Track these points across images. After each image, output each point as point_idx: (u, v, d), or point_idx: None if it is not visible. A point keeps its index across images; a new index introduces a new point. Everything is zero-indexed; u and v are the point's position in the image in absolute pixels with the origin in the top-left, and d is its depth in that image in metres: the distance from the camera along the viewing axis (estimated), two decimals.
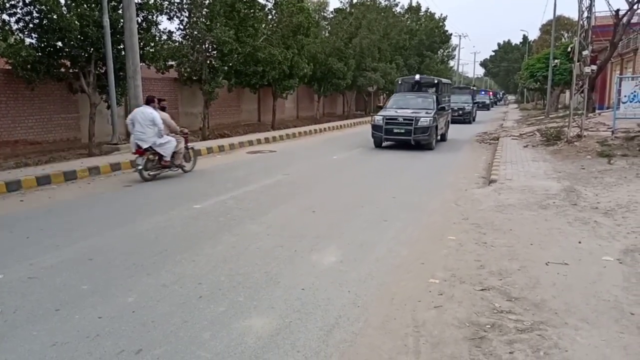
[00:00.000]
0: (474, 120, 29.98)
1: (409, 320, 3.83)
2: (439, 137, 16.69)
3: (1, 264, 5.00)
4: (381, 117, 15.25)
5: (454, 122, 24.53)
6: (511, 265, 4.94)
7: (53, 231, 6.23)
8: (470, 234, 6.09)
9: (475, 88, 36.74)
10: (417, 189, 9.21)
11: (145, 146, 9.57)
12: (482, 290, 4.36)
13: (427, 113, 15.07)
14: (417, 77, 18.43)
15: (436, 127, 15.42)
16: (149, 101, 10.12)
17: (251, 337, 3.57)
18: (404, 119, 14.87)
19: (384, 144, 15.70)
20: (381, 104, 21.51)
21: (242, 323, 3.78)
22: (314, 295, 4.28)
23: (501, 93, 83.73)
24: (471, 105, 29.04)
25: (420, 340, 3.52)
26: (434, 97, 16.40)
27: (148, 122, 9.61)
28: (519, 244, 5.63)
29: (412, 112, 15.01)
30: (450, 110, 20.30)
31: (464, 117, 28.05)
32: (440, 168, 11.84)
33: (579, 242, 5.65)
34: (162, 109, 10.28)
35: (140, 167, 9.54)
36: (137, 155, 9.64)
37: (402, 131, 14.86)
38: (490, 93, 61.16)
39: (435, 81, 18.53)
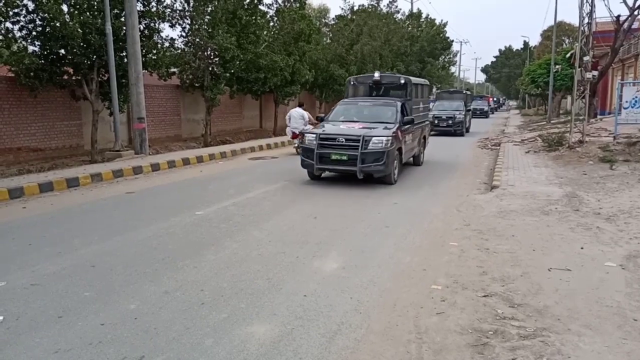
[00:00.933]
0: (467, 131, 25.63)
1: (411, 326, 3.83)
2: (409, 161, 12.51)
3: (4, 271, 5.01)
4: (314, 135, 10.17)
5: (442, 134, 23.13)
6: (513, 272, 4.94)
7: (55, 238, 6.24)
8: (472, 240, 6.08)
9: (469, 92, 31.88)
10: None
11: (297, 132, 14.77)
12: (484, 296, 4.36)
13: (385, 129, 10.10)
14: (377, 75, 12.45)
15: (399, 150, 10.47)
16: (300, 105, 16.10)
17: (253, 343, 3.56)
18: (347, 139, 9.81)
19: (323, 174, 10.97)
20: (322, 113, 17.00)
21: (245, 330, 3.77)
22: (316, 301, 4.28)
23: (502, 99, 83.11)
24: (463, 113, 24.46)
25: (423, 347, 3.51)
26: (398, 104, 11.16)
27: (299, 117, 15.29)
28: (521, 250, 5.63)
29: (362, 128, 10.15)
30: (427, 123, 14.47)
31: (454, 128, 23.68)
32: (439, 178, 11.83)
33: (582, 248, 5.64)
34: (304, 109, 15.93)
35: (296, 145, 14.96)
36: (295, 139, 15.25)
37: (344, 158, 9.81)
38: (490, 98, 57.15)
39: (402, 81, 12.34)
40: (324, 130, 10.19)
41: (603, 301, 4.21)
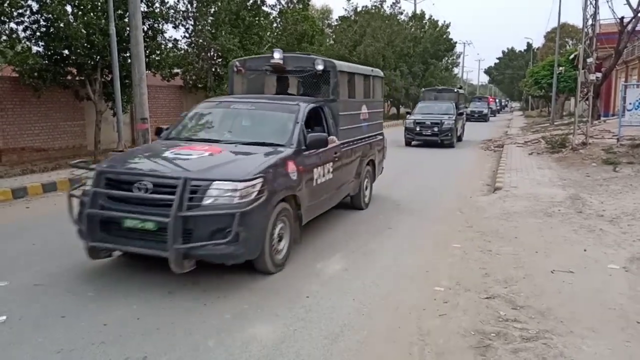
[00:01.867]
0: (459, 140, 20.20)
1: (414, 328, 3.82)
2: None
3: (7, 270, 5.02)
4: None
5: (426, 144, 17.98)
6: (516, 273, 4.93)
7: (58, 238, 6.24)
8: (475, 241, 6.07)
9: (461, 91, 24.51)
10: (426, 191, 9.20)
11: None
12: (487, 298, 4.35)
13: (265, 155, 5.54)
14: (278, 56, 6.95)
15: (296, 200, 5.87)
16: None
17: (255, 345, 3.56)
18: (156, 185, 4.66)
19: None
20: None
21: (247, 331, 3.78)
22: (318, 303, 4.28)
23: (504, 100, 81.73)
24: (454, 117, 18.07)
25: (425, 349, 3.51)
26: (302, 108, 6.16)
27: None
28: (524, 251, 5.62)
29: (209, 155, 5.92)
30: (379, 139, 8.96)
31: (440, 138, 17.61)
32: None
33: (585, 250, 5.63)
34: None
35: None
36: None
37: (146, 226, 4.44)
38: (491, 99, 51.96)
39: (320, 67, 6.85)
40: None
41: (606, 304, 4.20)
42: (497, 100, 57.21)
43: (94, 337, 3.65)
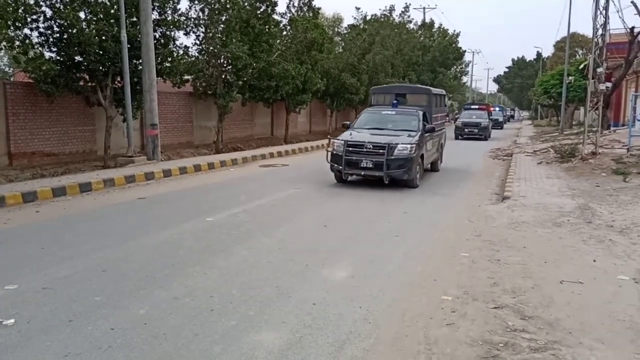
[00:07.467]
0: (434, 170, 13.74)
1: (420, 337, 3.80)
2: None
3: (16, 274, 5.06)
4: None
5: (366, 182, 11.41)
6: (525, 283, 4.89)
7: (67, 242, 6.29)
8: (483, 250, 6.04)
9: (437, 91, 14.97)
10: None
11: None
12: (495, 308, 4.32)
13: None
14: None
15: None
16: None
17: (262, 351, 3.56)
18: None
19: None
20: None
21: (253, 337, 3.77)
22: (325, 310, 4.27)
23: (510, 109, 74.37)
24: (416, 138, 10.85)
25: (432, 358, 3.49)
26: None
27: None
28: (532, 261, 5.58)
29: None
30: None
31: (389, 173, 10.37)
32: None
33: (594, 261, 5.58)
34: None
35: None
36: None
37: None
38: (490, 108, 35.55)
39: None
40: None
41: (616, 315, 4.16)
42: (495, 108, 43.84)
43: (101, 342, 3.66)
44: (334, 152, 10.84)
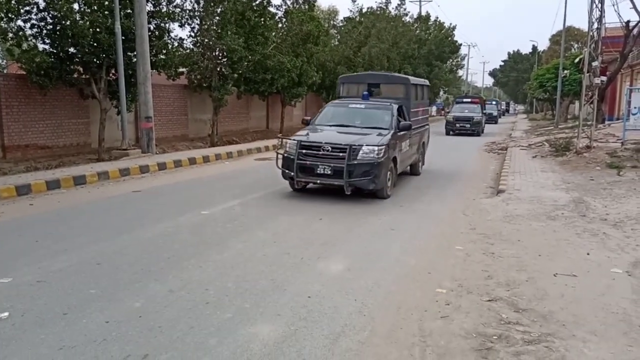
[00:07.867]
0: (414, 174, 11.87)
1: (415, 330, 3.82)
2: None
3: (10, 267, 5.04)
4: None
5: (325, 190, 9.92)
6: (519, 276, 4.92)
7: (62, 235, 6.27)
8: (477, 244, 6.07)
9: (416, 80, 12.43)
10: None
11: None
12: (489, 300, 4.34)
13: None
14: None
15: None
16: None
17: (257, 344, 3.57)
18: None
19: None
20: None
21: (249, 330, 3.78)
22: (320, 303, 4.28)
23: (505, 102, 72.50)
24: (387, 138, 8.88)
25: (427, 351, 3.51)
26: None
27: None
28: (527, 254, 5.61)
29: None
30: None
31: (350, 181, 8.37)
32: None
33: (588, 254, 5.61)
34: None
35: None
36: None
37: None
38: (479, 102, 31.01)
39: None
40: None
41: (609, 308, 4.19)
42: (488, 101, 43.62)
43: (96, 335, 3.66)
44: (286, 155, 8.80)
